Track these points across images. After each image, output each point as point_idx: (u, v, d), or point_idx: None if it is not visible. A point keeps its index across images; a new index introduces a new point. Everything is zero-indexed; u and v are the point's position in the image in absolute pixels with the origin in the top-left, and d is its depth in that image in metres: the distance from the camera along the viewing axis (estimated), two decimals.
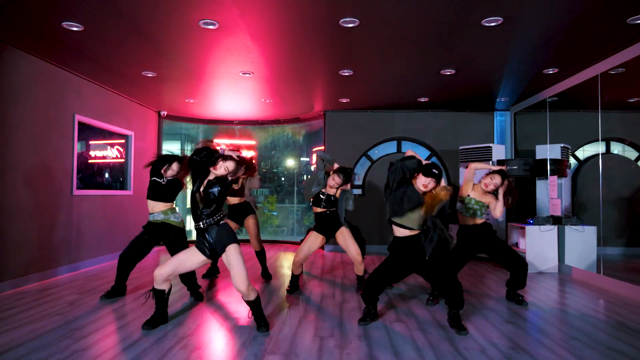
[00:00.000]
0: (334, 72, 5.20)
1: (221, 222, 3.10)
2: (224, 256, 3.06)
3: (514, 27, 3.82)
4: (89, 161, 6.43)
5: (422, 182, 3.09)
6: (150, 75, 5.32)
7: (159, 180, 3.93)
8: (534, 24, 3.78)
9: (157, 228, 3.96)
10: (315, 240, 4.32)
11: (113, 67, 5.02)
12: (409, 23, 3.76)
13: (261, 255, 5.03)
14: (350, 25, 3.78)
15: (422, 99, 6.66)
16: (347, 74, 5.25)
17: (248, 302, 3.14)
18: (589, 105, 6.62)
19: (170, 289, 3.25)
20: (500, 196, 3.84)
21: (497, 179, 3.83)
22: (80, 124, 5.54)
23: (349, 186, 4.37)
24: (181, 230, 4.03)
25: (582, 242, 5.41)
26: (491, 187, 3.84)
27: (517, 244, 6.02)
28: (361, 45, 4.30)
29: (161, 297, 3.23)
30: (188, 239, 4.47)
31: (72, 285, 4.59)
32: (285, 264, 6.23)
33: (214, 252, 3.10)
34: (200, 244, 3.11)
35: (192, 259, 3.13)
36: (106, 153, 6.72)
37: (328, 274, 5.36)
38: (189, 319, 3.42)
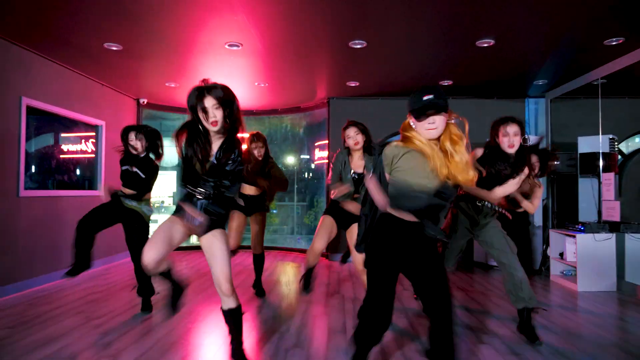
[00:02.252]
0: (342, 43, 4.18)
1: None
2: (205, 240, 2.30)
3: None
4: (61, 157, 5.47)
5: (427, 126, 1.89)
6: (115, 48, 4.29)
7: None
8: None
9: (125, 210, 3.54)
10: (333, 225, 3.44)
11: (61, 33, 3.96)
12: None
13: (259, 261, 4.20)
14: None
15: (445, 82, 5.64)
16: (358, 45, 4.22)
17: (227, 312, 2.37)
18: None
19: (170, 269, 2.56)
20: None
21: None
22: (32, 109, 4.53)
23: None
24: (146, 224, 3.59)
25: None
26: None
27: (561, 255, 5.01)
28: (379, 2, 3.29)
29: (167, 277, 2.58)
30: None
31: (9, 312, 3.59)
32: (283, 279, 5.23)
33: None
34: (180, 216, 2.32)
35: (175, 235, 2.30)
36: (81, 147, 5.78)
37: (336, 293, 4.36)
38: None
